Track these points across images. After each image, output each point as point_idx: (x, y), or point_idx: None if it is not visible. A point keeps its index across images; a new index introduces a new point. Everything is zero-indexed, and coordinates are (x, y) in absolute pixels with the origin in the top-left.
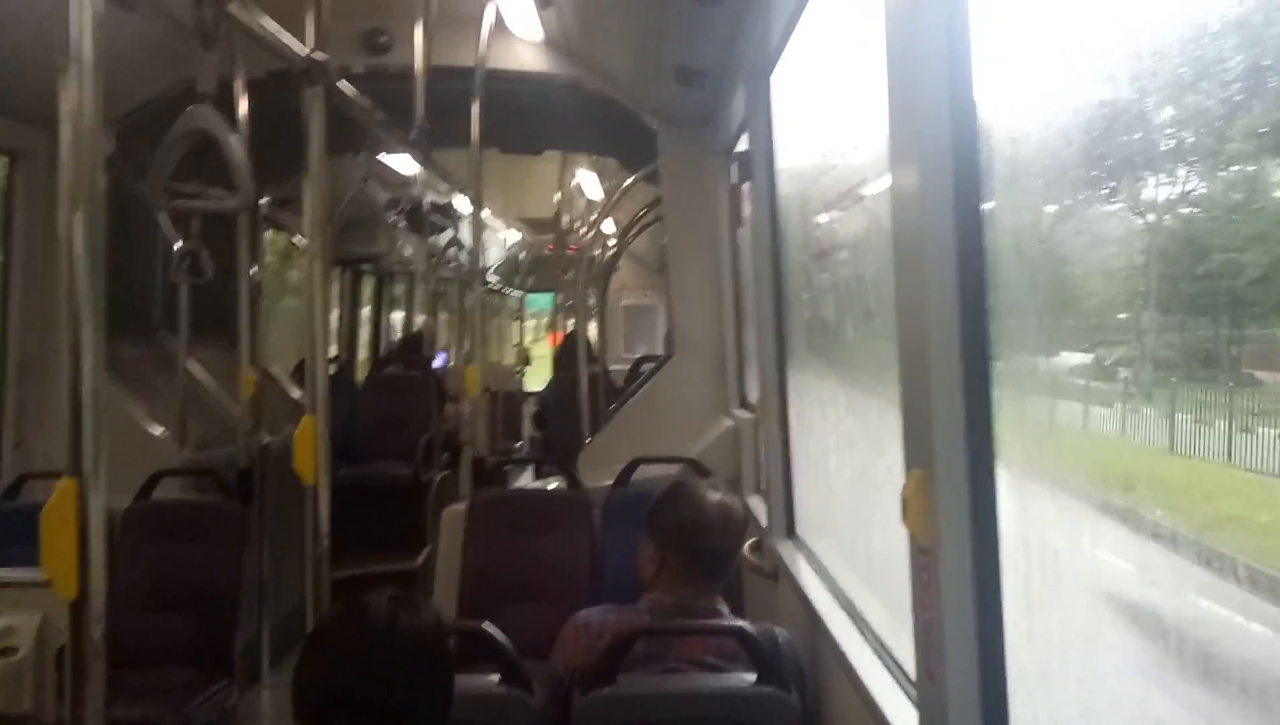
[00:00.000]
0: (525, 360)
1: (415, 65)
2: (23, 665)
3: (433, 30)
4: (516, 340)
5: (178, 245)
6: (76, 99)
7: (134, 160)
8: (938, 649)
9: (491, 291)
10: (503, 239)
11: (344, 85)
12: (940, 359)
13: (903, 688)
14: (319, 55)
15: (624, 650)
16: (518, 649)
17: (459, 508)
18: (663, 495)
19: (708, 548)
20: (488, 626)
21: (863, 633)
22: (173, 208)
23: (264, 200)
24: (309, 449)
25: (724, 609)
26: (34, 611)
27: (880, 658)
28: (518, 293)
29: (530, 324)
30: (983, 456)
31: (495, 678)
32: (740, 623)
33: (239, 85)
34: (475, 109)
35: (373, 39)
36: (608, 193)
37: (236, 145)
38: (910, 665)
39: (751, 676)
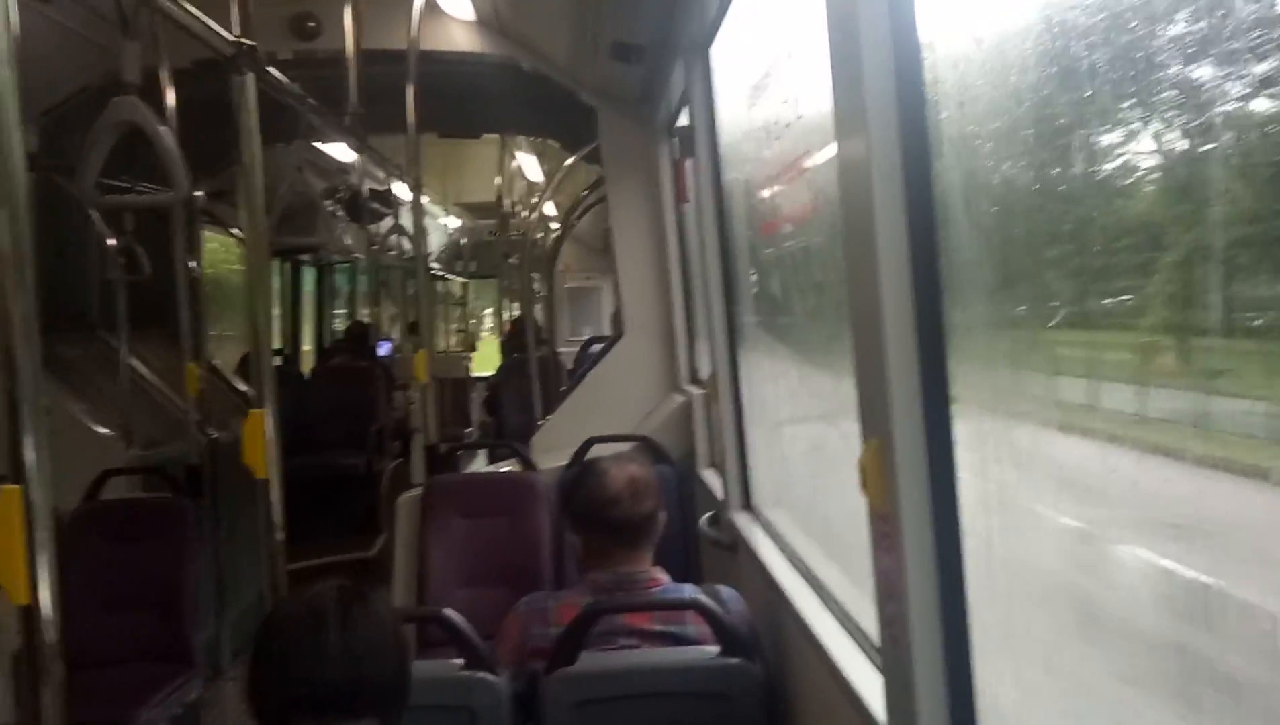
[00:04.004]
0: (470, 346)
1: (346, 49)
2: None
3: (362, 13)
4: (461, 326)
5: (111, 241)
6: None
7: (60, 156)
8: (900, 614)
9: (434, 278)
10: (443, 225)
11: (274, 72)
12: (893, 326)
13: (866, 653)
14: (246, 42)
15: (586, 628)
16: (479, 632)
17: (414, 494)
18: (571, 482)
19: (620, 518)
20: (448, 612)
21: (824, 601)
22: (105, 204)
23: (199, 193)
24: (258, 442)
25: (663, 576)
26: None
27: (843, 625)
28: (460, 279)
29: (485, 311)
30: (940, 422)
31: (459, 661)
32: (686, 589)
33: (165, 75)
34: (410, 93)
35: (301, 24)
36: (549, 175)
37: (167, 137)
38: (873, 631)
39: (714, 648)
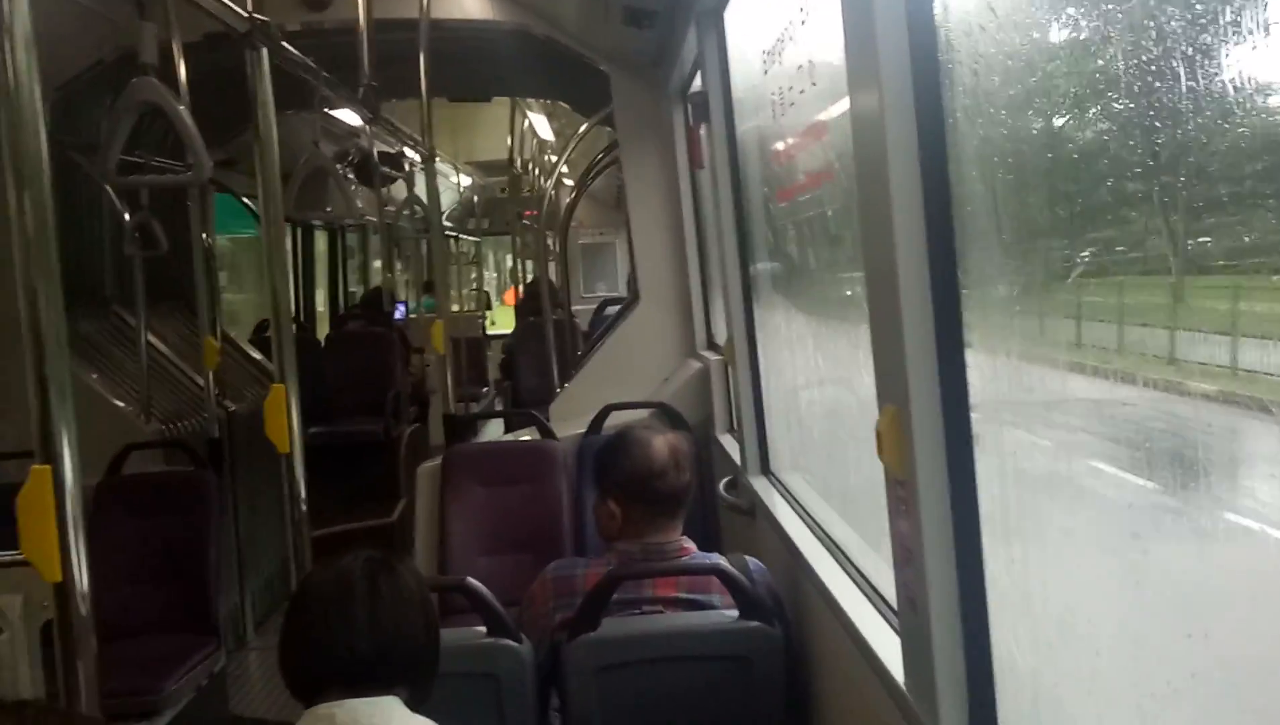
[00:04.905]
0: (487, 305)
1: (359, 19)
2: (9, 645)
3: None
4: (475, 286)
5: (127, 217)
6: (13, 72)
7: (74, 131)
8: (918, 577)
9: (447, 236)
10: (455, 182)
11: (287, 47)
12: (909, 293)
13: (884, 616)
14: (260, 17)
15: (608, 594)
16: (501, 599)
17: (434, 463)
18: (606, 451)
19: (666, 490)
20: (471, 581)
21: (842, 564)
22: (125, 184)
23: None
24: (281, 417)
25: (691, 546)
26: (14, 593)
27: (861, 588)
28: (474, 238)
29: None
30: (956, 388)
31: (482, 629)
32: (715, 558)
33: (176, 48)
34: (422, 61)
35: None
36: (558, 133)
37: (186, 117)
38: (891, 594)
39: (734, 612)
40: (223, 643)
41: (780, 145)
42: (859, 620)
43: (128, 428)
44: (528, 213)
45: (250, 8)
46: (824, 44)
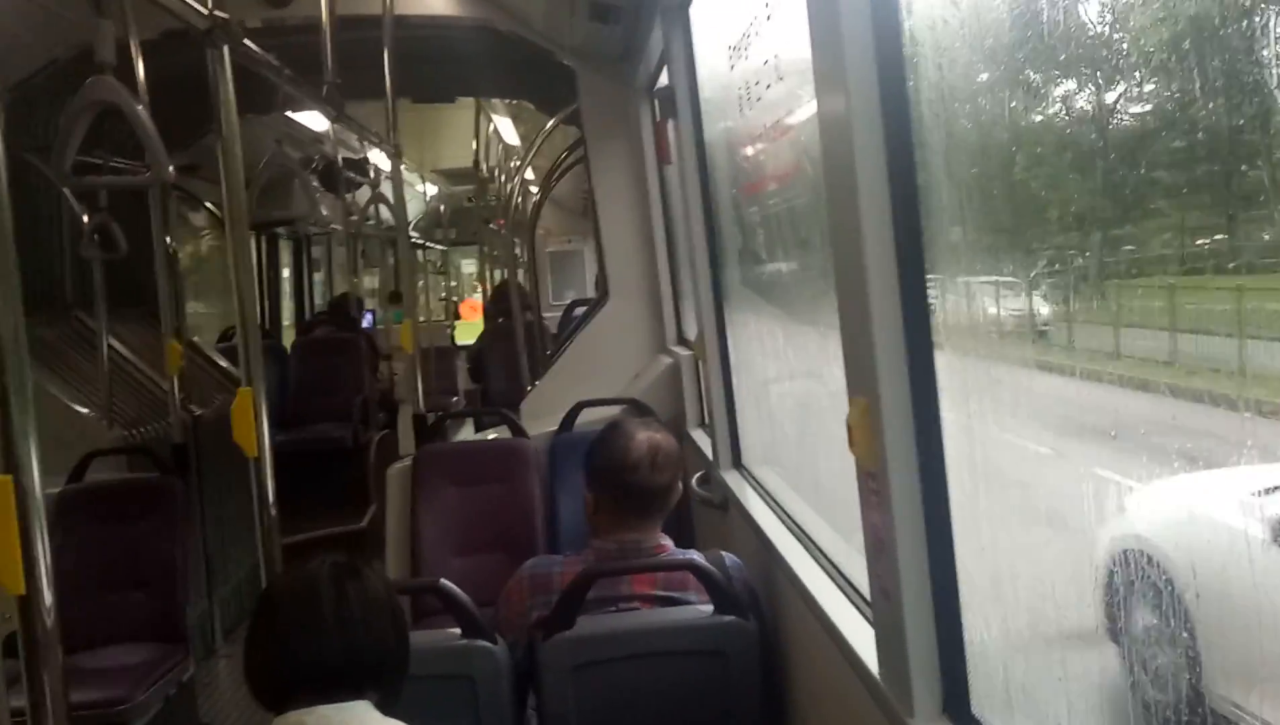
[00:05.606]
0: (455, 314)
1: (321, 17)
2: None
3: None
4: (444, 295)
5: (85, 219)
6: None
7: (28, 131)
8: (891, 568)
9: (414, 246)
10: (421, 192)
11: (249, 45)
12: (877, 286)
13: (858, 608)
14: (220, 15)
15: (582, 593)
16: (475, 599)
17: (403, 464)
18: (596, 439)
19: (636, 485)
20: (444, 582)
21: (815, 556)
22: (82, 186)
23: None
24: (248, 421)
25: (668, 543)
26: None
27: (834, 579)
28: (440, 247)
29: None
30: (925, 380)
31: (456, 631)
32: (691, 554)
33: (135, 46)
34: (387, 59)
35: None
36: (525, 138)
37: (144, 117)
38: (864, 585)
39: (709, 607)
40: (191, 651)
41: (747, 140)
42: (833, 612)
43: (91, 434)
44: (498, 222)
45: (211, 5)
46: (790, 39)
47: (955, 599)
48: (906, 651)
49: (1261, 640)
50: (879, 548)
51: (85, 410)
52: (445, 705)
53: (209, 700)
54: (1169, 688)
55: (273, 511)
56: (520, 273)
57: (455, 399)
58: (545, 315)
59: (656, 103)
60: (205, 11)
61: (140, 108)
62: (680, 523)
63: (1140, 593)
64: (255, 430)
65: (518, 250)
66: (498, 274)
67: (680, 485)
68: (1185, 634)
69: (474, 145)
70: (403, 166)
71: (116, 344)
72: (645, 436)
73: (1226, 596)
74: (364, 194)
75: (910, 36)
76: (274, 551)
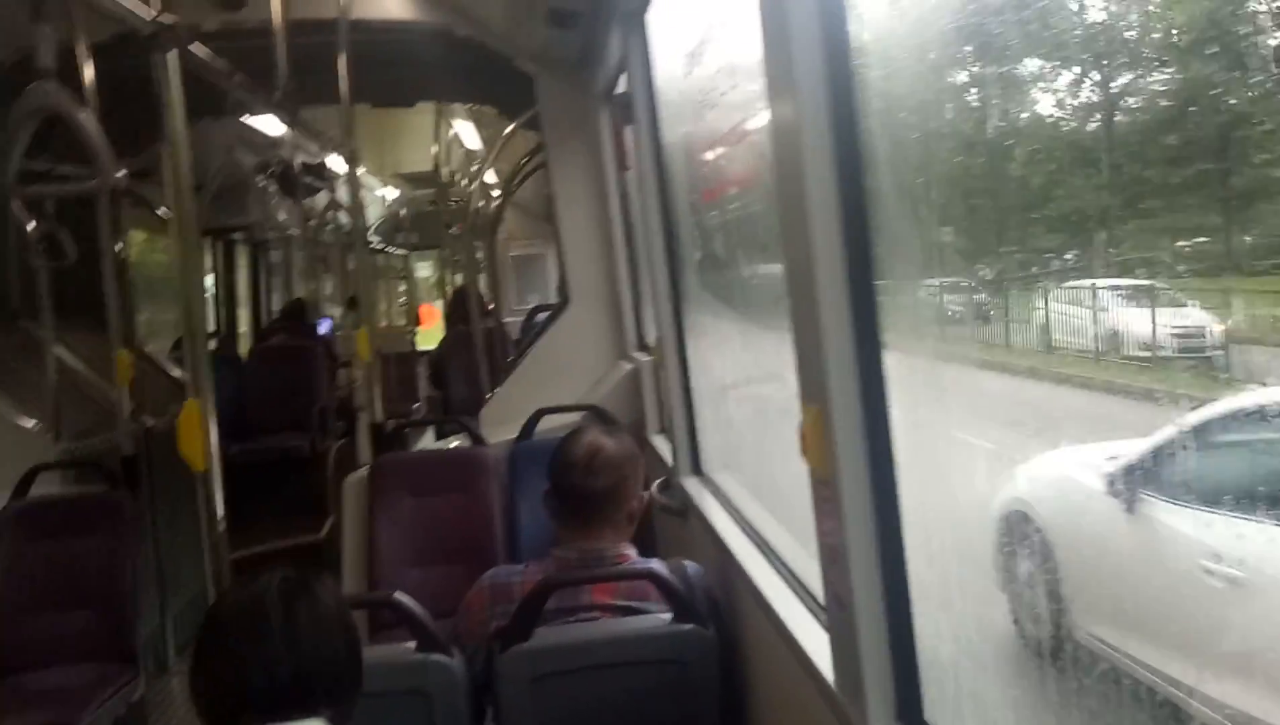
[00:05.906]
0: (416, 320)
1: (273, 20)
2: None
3: None
4: (404, 300)
5: (31, 226)
6: None
7: None
8: (843, 575)
9: (374, 252)
10: (381, 196)
11: (197, 47)
12: (827, 294)
13: (814, 613)
14: (167, 18)
15: (540, 603)
16: (433, 611)
17: (360, 474)
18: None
19: (568, 487)
20: (399, 596)
21: (772, 563)
22: (27, 195)
23: (121, 173)
24: (195, 433)
25: (631, 552)
26: None
27: (790, 586)
28: (401, 252)
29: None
30: (876, 388)
31: (412, 645)
32: (651, 563)
33: (81, 50)
34: (342, 63)
35: None
36: (487, 141)
37: (89, 121)
38: (820, 591)
39: (667, 615)
40: (142, 670)
41: (705, 146)
42: (789, 620)
43: (35, 447)
44: (460, 226)
45: (160, 8)
46: (744, 47)
47: (908, 605)
48: (860, 659)
49: (1103, 578)
50: (833, 555)
51: (31, 422)
52: (401, 721)
53: (162, 719)
54: (1045, 625)
55: (220, 526)
56: (482, 278)
57: (416, 406)
58: (508, 320)
59: (615, 108)
60: (150, 15)
61: (86, 113)
62: (641, 529)
63: (1020, 544)
64: (203, 443)
65: (479, 255)
66: (459, 279)
67: (629, 492)
68: (1053, 578)
69: (434, 149)
70: (363, 170)
71: (66, 354)
72: (589, 440)
73: (1078, 541)
74: (322, 199)
75: (860, 48)
76: (222, 566)
